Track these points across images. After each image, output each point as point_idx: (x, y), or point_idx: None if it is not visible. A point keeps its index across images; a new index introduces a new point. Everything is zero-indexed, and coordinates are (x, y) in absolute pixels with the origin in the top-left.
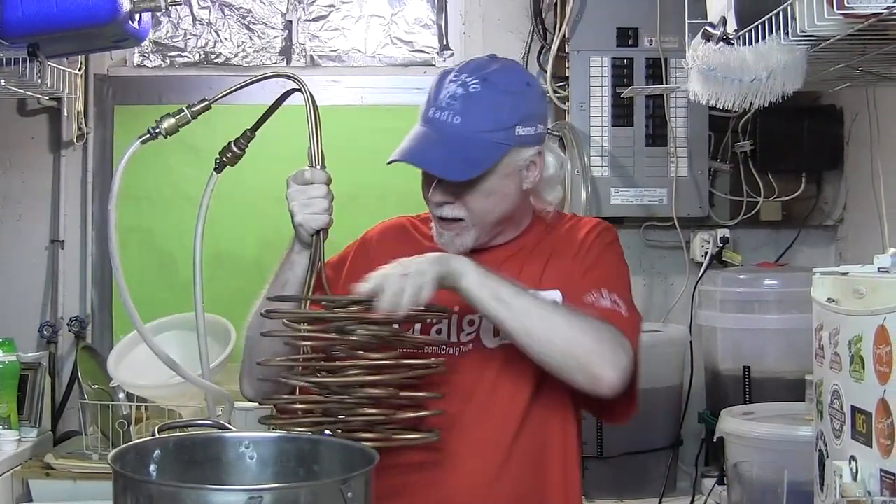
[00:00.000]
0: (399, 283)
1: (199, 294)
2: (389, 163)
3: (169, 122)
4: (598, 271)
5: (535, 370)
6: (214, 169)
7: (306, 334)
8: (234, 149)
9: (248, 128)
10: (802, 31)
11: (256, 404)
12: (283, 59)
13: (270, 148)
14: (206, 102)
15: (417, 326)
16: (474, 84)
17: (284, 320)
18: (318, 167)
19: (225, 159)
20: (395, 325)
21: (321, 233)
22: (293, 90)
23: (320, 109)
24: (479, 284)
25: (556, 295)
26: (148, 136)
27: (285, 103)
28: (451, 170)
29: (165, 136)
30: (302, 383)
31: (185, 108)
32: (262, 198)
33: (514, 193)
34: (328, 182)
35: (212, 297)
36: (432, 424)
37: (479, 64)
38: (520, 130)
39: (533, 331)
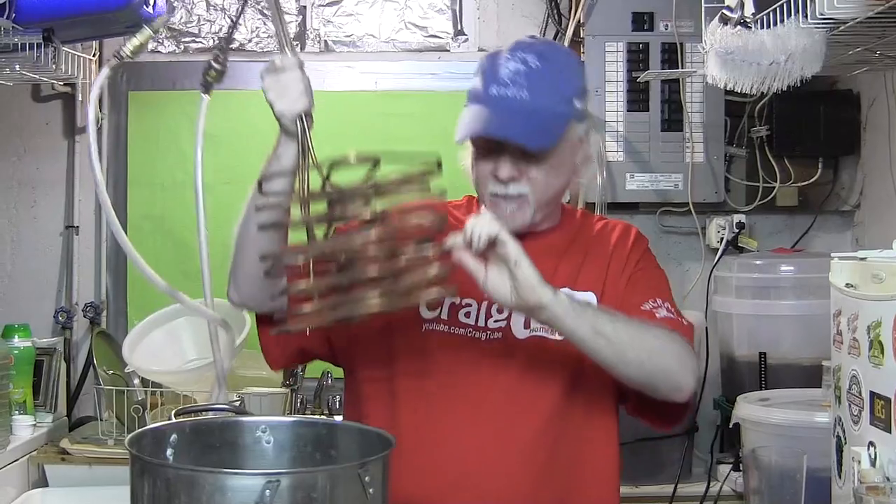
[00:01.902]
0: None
1: (201, 220)
2: (460, 141)
3: (133, 43)
4: (645, 280)
5: (569, 366)
6: (203, 91)
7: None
8: (216, 65)
9: (223, 37)
10: (822, 14)
11: (268, 389)
12: (297, 45)
13: None
14: (167, 17)
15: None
16: (534, 60)
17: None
18: (287, 53)
19: (210, 78)
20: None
21: (304, 118)
22: None
23: (335, 95)
24: (575, 316)
25: (590, 297)
26: (116, 61)
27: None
28: (534, 140)
29: (132, 57)
30: (302, 256)
31: (145, 25)
32: None
33: (571, 169)
34: (300, 66)
35: (226, 284)
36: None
37: (530, 43)
38: (576, 103)
39: (629, 359)
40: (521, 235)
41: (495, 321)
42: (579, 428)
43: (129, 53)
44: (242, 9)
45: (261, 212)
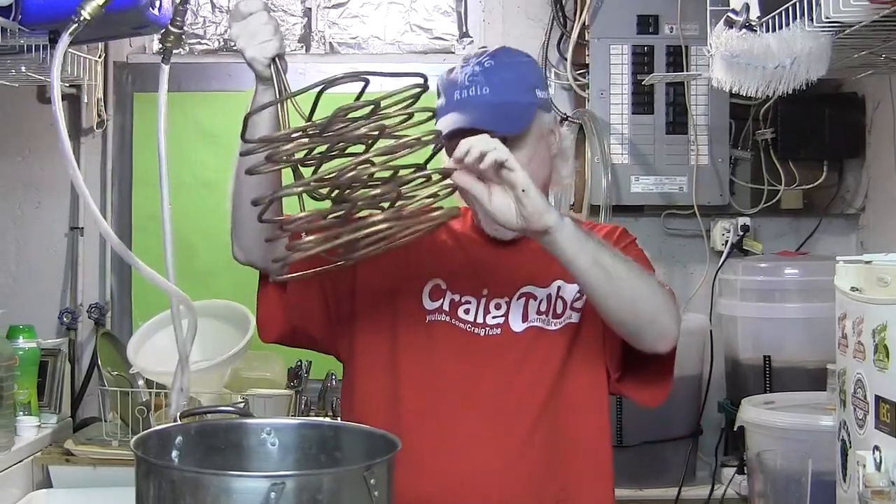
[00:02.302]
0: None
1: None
2: (435, 139)
3: (91, 5)
4: (632, 258)
5: (562, 356)
6: (162, 60)
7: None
8: (173, 29)
9: (178, 2)
10: (827, 17)
11: (273, 391)
12: (302, 47)
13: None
14: None
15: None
16: (488, 61)
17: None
18: None
19: (167, 44)
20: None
21: (277, 60)
22: None
23: (340, 97)
24: (578, 245)
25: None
26: (75, 25)
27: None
28: (502, 126)
29: (90, 20)
30: (294, 192)
31: None
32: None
33: (548, 159)
34: (266, 9)
35: (231, 285)
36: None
37: (481, 52)
38: (539, 93)
39: (623, 294)
40: (504, 242)
41: (493, 317)
42: (573, 418)
43: (87, 14)
44: None
45: (247, 157)
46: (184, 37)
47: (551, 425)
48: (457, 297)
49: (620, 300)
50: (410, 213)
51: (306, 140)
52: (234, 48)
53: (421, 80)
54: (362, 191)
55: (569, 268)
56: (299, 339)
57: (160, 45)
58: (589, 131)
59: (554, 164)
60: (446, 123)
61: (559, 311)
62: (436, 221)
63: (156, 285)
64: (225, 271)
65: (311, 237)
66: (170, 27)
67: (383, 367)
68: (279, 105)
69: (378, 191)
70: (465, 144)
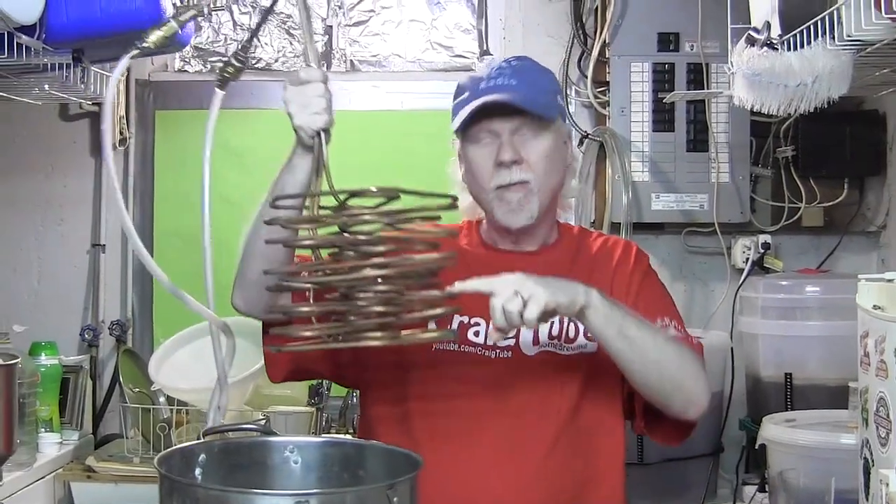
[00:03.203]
0: (508, 300)
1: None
2: (459, 125)
3: (156, 35)
4: (652, 300)
5: (578, 381)
6: (217, 86)
7: (310, 238)
8: (235, 62)
9: (245, 39)
10: (849, 36)
11: (295, 407)
12: (323, 64)
13: None
14: (194, 11)
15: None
16: (513, 61)
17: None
18: (313, 66)
19: (227, 74)
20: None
21: (323, 134)
22: None
23: (360, 114)
24: (605, 320)
25: None
26: (137, 51)
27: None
28: (533, 105)
29: (155, 49)
30: (302, 286)
31: (171, 18)
32: None
33: (563, 165)
34: (325, 80)
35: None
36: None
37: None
38: (559, 100)
39: (648, 362)
40: (517, 253)
41: (504, 339)
42: (589, 443)
43: (151, 43)
44: (272, 7)
45: (269, 226)
46: (242, 71)
47: (566, 452)
48: (466, 319)
49: (645, 369)
50: (408, 327)
51: (323, 239)
52: (287, 112)
53: (450, 200)
54: (365, 297)
55: (595, 337)
56: (308, 377)
57: (219, 74)
58: (609, 149)
59: (566, 170)
60: (469, 110)
61: (571, 335)
62: (432, 338)
63: (200, 314)
64: None
65: (307, 331)
66: (232, 59)
67: (392, 397)
68: (313, 175)
69: (382, 309)
70: (499, 309)
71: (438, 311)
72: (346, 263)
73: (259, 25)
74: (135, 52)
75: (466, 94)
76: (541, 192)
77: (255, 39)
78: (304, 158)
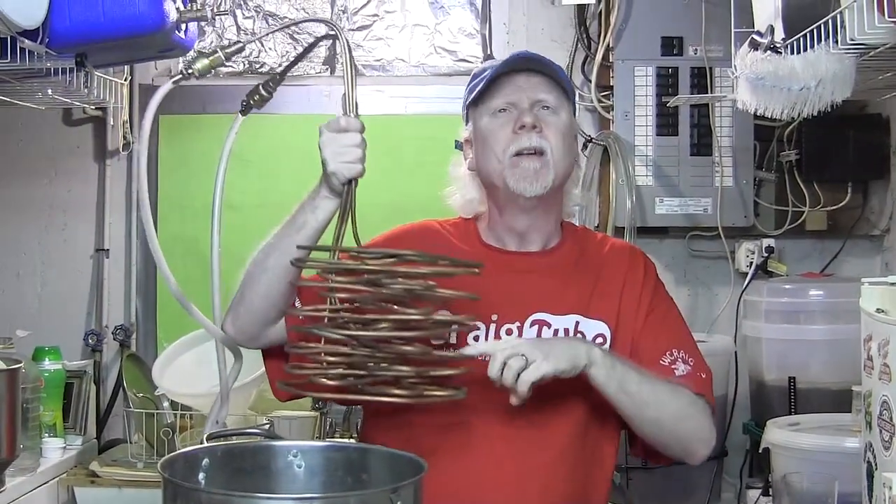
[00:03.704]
0: (513, 357)
1: (215, 237)
2: (488, 76)
3: (202, 63)
4: (664, 326)
5: (582, 392)
6: (240, 111)
7: (337, 285)
8: (263, 92)
9: (279, 70)
10: (852, 40)
11: (299, 412)
12: (326, 69)
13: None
14: (241, 43)
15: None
16: (533, 52)
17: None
18: (352, 115)
19: (252, 101)
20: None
21: (353, 182)
22: (327, 35)
23: (365, 119)
24: (606, 377)
25: (602, 328)
26: (181, 76)
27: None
28: (558, 74)
29: (198, 77)
30: (334, 335)
31: (218, 49)
32: None
33: (574, 154)
34: (362, 130)
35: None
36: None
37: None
38: (572, 85)
39: (646, 415)
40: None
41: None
42: (591, 454)
43: (196, 71)
44: (314, 45)
45: (283, 258)
46: (268, 101)
47: (567, 458)
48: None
49: (643, 423)
50: (421, 385)
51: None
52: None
53: (477, 270)
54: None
55: (596, 388)
56: (312, 393)
57: (245, 100)
58: (613, 153)
59: (576, 157)
60: (499, 65)
61: None
62: (443, 397)
63: (207, 331)
64: None
65: (320, 374)
66: (261, 88)
67: (392, 410)
68: (339, 221)
69: (397, 373)
70: (499, 364)
71: (457, 370)
72: (372, 315)
73: (298, 59)
74: (178, 77)
75: (485, 74)
76: (556, 166)
77: (291, 70)
78: (328, 201)
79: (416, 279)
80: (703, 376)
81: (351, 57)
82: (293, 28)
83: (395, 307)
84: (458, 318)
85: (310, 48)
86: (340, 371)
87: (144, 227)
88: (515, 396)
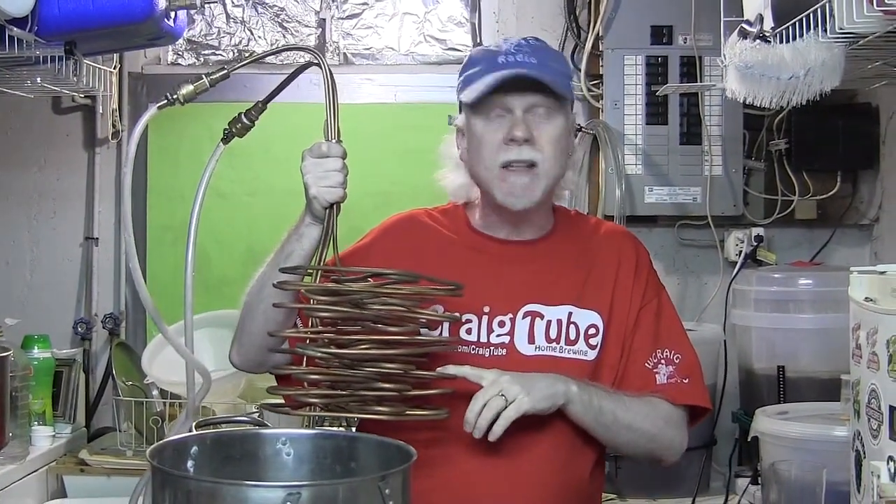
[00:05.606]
0: (490, 400)
1: (189, 265)
2: (475, 97)
3: (187, 89)
4: (652, 324)
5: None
6: (222, 140)
7: (320, 306)
8: (245, 120)
9: (261, 100)
10: (841, 29)
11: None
12: (341, 142)
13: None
14: (225, 71)
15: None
16: (531, 40)
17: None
18: (334, 141)
19: (234, 130)
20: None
21: (335, 206)
22: (310, 63)
23: (354, 107)
24: (583, 412)
25: (595, 318)
26: (166, 102)
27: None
28: (554, 84)
29: (183, 103)
30: (318, 354)
31: (203, 76)
32: (298, 196)
33: (568, 153)
34: (344, 156)
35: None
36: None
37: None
38: (572, 85)
39: (619, 439)
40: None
41: (497, 335)
42: (582, 441)
43: (181, 97)
44: (297, 74)
45: (275, 290)
46: (250, 130)
47: (558, 449)
48: (457, 316)
49: (618, 444)
50: (405, 403)
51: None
52: (303, 182)
53: (461, 291)
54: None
55: (573, 418)
56: (300, 413)
57: (227, 128)
58: (603, 142)
59: (569, 158)
60: (495, 78)
61: (572, 337)
62: (424, 417)
63: (178, 353)
64: (239, 280)
65: (311, 395)
66: (242, 117)
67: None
68: (322, 244)
69: (391, 387)
70: (475, 411)
71: (440, 390)
72: (357, 336)
73: (281, 88)
74: (164, 102)
75: (480, 67)
76: (546, 176)
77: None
78: (312, 228)
79: (397, 297)
80: (686, 381)
81: (333, 84)
82: (282, 16)
83: (379, 326)
84: (440, 338)
85: (292, 76)
86: (321, 391)
87: (126, 246)
88: (491, 434)
